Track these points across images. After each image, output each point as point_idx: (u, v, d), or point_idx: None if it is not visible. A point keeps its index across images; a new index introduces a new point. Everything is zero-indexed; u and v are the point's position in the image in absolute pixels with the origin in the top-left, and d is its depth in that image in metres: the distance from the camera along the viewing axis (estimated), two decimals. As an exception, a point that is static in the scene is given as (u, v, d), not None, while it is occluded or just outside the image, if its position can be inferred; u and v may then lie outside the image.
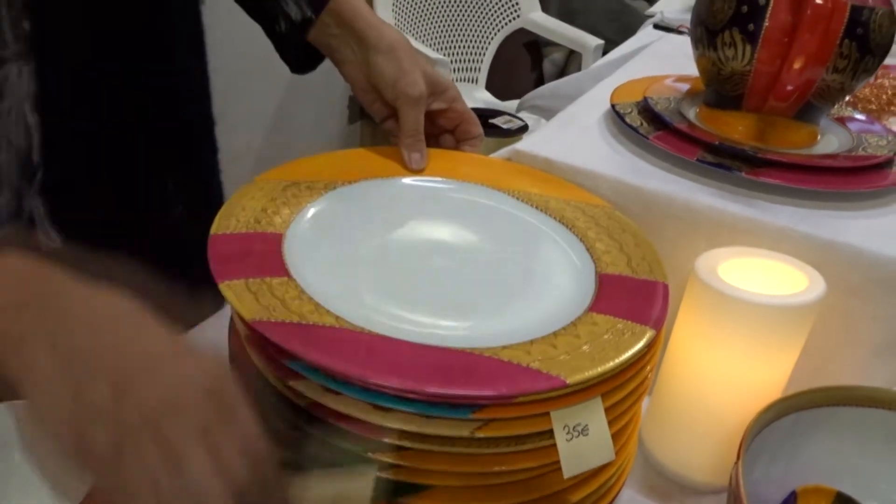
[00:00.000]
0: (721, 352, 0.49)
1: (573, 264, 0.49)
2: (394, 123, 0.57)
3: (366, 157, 0.57)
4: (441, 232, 0.51)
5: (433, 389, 0.35)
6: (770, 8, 0.56)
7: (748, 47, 0.58)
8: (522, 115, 1.16)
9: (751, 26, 0.57)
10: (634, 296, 0.45)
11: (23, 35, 0.41)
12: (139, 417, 0.28)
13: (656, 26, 1.54)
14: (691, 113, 0.67)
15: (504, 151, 0.64)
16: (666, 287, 0.46)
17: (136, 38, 0.52)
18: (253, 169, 2.16)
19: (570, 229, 0.52)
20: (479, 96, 2.07)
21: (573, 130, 0.67)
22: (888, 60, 0.69)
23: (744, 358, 0.48)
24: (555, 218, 0.53)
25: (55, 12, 0.44)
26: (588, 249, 0.50)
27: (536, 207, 0.54)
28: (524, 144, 0.63)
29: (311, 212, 0.49)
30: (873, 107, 0.76)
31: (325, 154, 0.56)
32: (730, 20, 0.58)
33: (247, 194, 0.49)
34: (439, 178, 0.56)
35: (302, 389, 0.40)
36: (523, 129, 0.74)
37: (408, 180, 0.55)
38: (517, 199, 0.54)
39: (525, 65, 2.26)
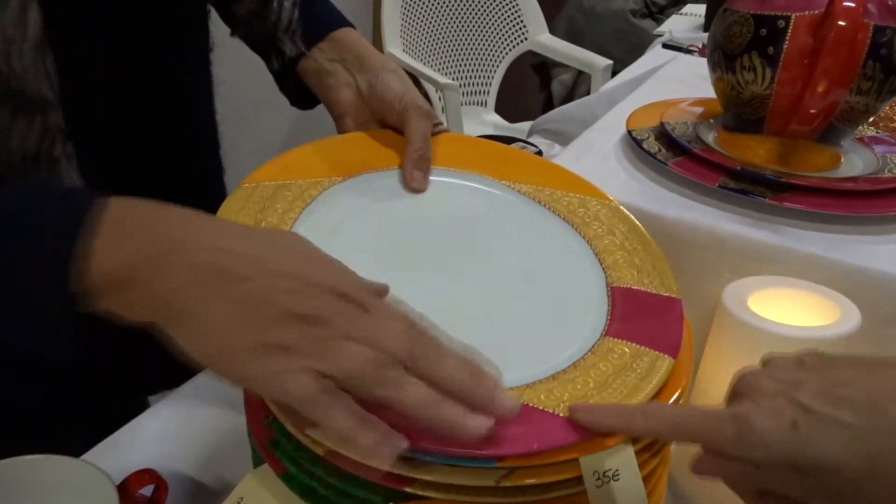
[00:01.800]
0: (752, 386, 0.47)
1: (585, 277, 0.46)
2: None
3: (356, 144, 0.53)
4: (446, 249, 0.48)
5: (456, 449, 0.34)
6: (790, 31, 0.55)
7: (768, 71, 0.56)
8: (535, 139, 1.16)
9: (770, 49, 0.56)
10: (650, 316, 0.44)
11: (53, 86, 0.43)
12: (316, 291, 0.31)
13: (665, 45, 1.54)
14: (710, 137, 0.66)
15: (520, 181, 0.63)
16: (680, 305, 0.44)
17: (150, 83, 0.53)
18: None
19: (577, 231, 0.49)
20: (488, 119, 2.06)
21: (590, 158, 0.65)
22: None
23: (777, 392, 0.47)
24: (560, 216, 0.50)
25: (78, 66, 0.45)
26: (597, 255, 0.48)
27: (541, 203, 0.51)
28: (541, 174, 0.61)
29: (302, 229, 0.45)
30: (895, 125, 0.75)
31: (314, 144, 0.51)
32: (748, 44, 0.57)
33: (233, 208, 0.45)
34: (439, 169, 0.52)
35: (321, 437, 0.38)
36: (538, 155, 0.73)
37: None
38: (520, 192, 0.52)
39: (534, 86, 2.26)
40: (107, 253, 0.31)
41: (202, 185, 0.62)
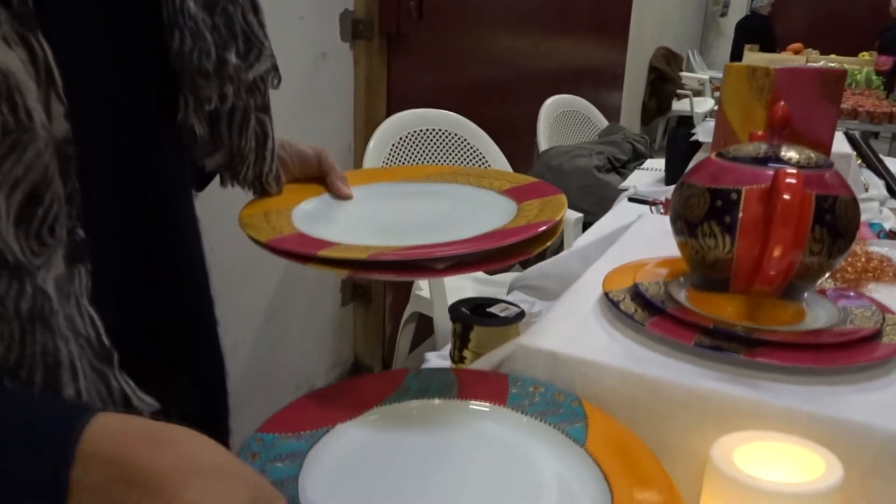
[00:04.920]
0: (750, 545, 0.48)
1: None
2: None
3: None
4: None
5: None
6: (742, 202, 0.61)
7: (727, 237, 0.62)
8: (515, 295, 1.20)
9: (727, 219, 0.62)
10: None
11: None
12: None
13: (631, 199, 1.64)
14: (681, 295, 0.70)
15: (507, 347, 0.66)
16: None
17: (151, 247, 0.56)
18: (252, 357, 2.12)
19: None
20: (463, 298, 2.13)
21: (572, 321, 0.69)
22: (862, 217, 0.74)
23: (774, 551, 0.48)
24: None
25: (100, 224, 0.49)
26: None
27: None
28: (527, 339, 0.65)
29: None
30: (850, 276, 0.80)
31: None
32: (707, 214, 0.63)
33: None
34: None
35: None
36: (520, 315, 0.77)
37: None
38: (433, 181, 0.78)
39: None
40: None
41: (206, 365, 0.64)
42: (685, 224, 0.65)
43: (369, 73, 2.07)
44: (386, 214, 0.71)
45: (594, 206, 2.19)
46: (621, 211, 1.55)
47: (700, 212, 0.63)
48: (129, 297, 0.53)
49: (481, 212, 0.67)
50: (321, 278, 2.16)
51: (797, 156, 0.63)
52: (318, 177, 0.73)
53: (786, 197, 0.57)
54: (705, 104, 5.58)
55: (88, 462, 0.36)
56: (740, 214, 0.61)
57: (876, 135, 3.60)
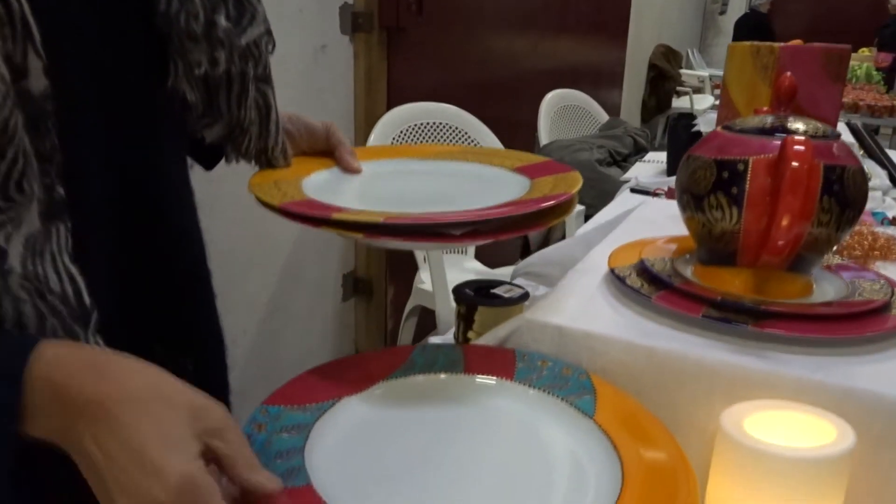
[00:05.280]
0: (761, 512, 0.47)
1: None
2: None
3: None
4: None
5: None
6: (749, 173, 0.60)
7: (734, 209, 0.61)
8: (518, 282, 1.19)
9: (734, 190, 0.61)
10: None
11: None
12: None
13: (633, 190, 1.63)
14: (688, 271, 0.70)
15: (512, 322, 0.65)
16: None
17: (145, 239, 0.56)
18: (252, 350, 2.12)
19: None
20: (469, 266, 2.12)
21: (577, 296, 0.69)
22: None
23: (786, 517, 0.47)
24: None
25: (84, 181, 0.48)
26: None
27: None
28: (533, 313, 0.64)
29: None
30: (858, 253, 0.80)
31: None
32: (713, 185, 0.62)
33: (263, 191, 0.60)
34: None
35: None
36: (525, 296, 0.76)
37: None
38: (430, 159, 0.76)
39: (510, 234, 2.35)
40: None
41: (206, 350, 0.63)
42: (691, 197, 0.65)
43: (369, 67, 2.06)
44: (397, 188, 0.70)
45: (595, 199, 2.18)
46: (623, 202, 1.54)
47: (706, 184, 0.63)
48: (121, 264, 0.52)
49: (494, 187, 0.66)
50: (322, 273, 2.15)
51: (804, 126, 0.62)
52: (326, 150, 0.72)
53: (794, 164, 0.56)
54: (705, 101, 5.57)
55: (37, 385, 0.38)
56: (748, 185, 0.60)
57: (876, 130, 3.60)
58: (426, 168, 0.74)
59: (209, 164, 0.69)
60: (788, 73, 0.63)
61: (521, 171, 0.69)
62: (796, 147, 0.56)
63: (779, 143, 0.60)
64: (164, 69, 0.54)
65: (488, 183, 0.68)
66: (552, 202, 0.56)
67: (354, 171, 0.71)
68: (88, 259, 0.46)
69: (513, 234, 0.56)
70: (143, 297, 0.55)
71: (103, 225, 0.50)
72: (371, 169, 0.72)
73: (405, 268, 2.11)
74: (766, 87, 0.93)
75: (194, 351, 0.62)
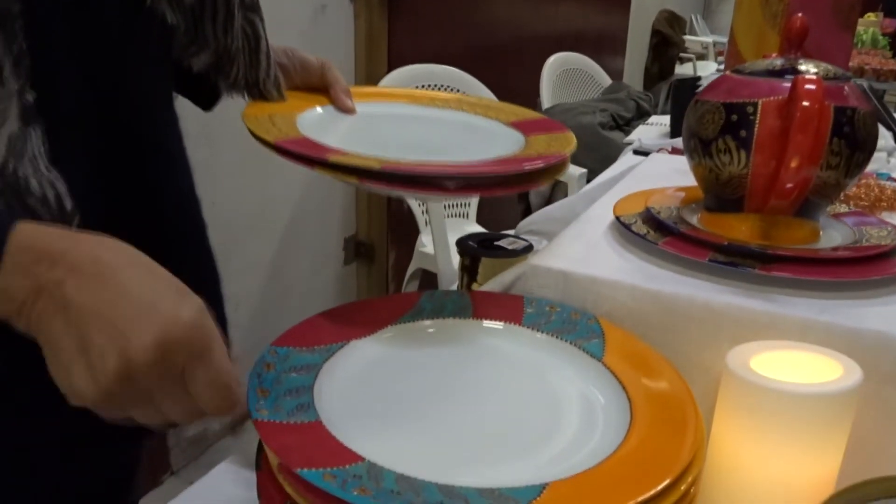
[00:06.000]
0: (767, 448, 0.48)
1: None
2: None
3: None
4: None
5: None
6: (759, 115, 0.59)
7: (743, 152, 0.61)
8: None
9: (743, 133, 0.60)
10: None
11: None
12: (139, 362, 0.36)
13: (636, 151, 1.62)
14: (693, 219, 0.69)
15: (517, 268, 0.65)
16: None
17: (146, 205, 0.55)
18: (254, 315, 2.13)
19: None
20: (470, 230, 2.11)
21: (582, 244, 0.68)
22: (868, 167, 0.73)
23: (791, 452, 0.47)
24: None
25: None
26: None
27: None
28: (538, 259, 0.64)
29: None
30: (865, 203, 0.79)
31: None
32: (721, 129, 0.61)
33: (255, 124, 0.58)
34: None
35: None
36: (528, 248, 0.76)
37: None
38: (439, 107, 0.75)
39: (512, 198, 2.34)
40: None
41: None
42: (699, 142, 0.64)
43: (370, 29, 2.04)
44: (391, 133, 0.69)
45: (597, 163, 2.16)
46: (627, 161, 1.53)
47: (714, 128, 0.62)
48: (100, 179, 0.52)
49: (487, 139, 0.66)
50: (324, 238, 2.15)
51: (815, 69, 0.61)
52: (320, 87, 0.71)
53: (805, 104, 0.55)
54: (708, 68, 5.51)
55: (16, 250, 0.38)
56: (757, 128, 0.59)
57: (882, 95, 3.56)
58: (420, 114, 0.73)
59: (207, 104, 0.68)
60: (800, 14, 0.61)
61: (515, 125, 0.68)
62: (807, 86, 0.56)
63: (789, 84, 0.59)
64: None
65: (482, 135, 0.68)
66: (549, 162, 0.56)
67: (348, 110, 0.70)
68: (66, 168, 0.46)
69: (504, 191, 0.56)
70: (127, 217, 0.54)
71: (79, 136, 0.50)
72: (365, 110, 0.71)
73: (407, 231, 2.11)
74: (774, 35, 0.92)
75: (184, 279, 0.61)
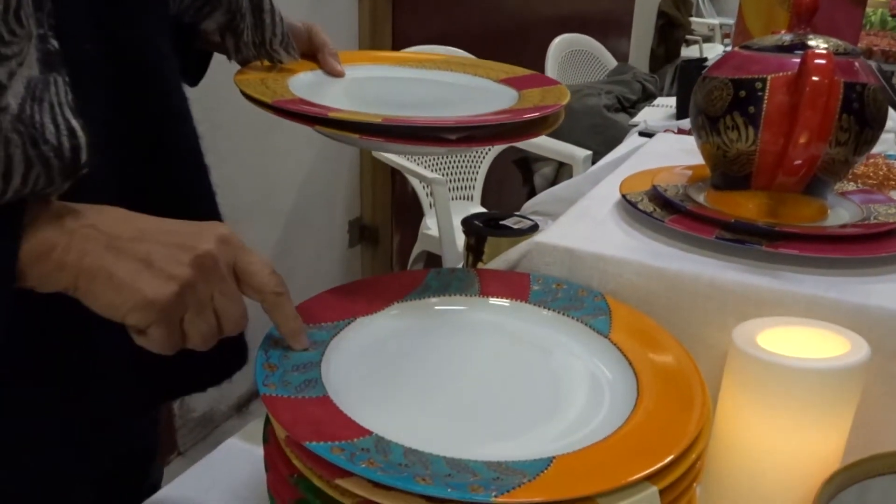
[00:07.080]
0: (773, 423, 0.48)
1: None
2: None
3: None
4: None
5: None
6: (767, 91, 0.59)
7: (751, 128, 0.60)
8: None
9: (751, 109, 0.60)
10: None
11: None
12: (209, 252, 0.43)
13: (642, 133, 1.61)
14: (700, 198, 0.69)
15: (522, 245, 0.65)
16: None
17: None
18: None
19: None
20: (475, 212, 2.11)
21: (588, 222, 0.68)
22: (876, 149, 0.73)
23: (797, 428, 0.47)
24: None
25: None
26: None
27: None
28: (543, 237, 0.64)
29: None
30: (873, 181, 0.79)
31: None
32: (730, 106, 0.61)
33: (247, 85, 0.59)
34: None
35: (350, 487, 0.38)
36: (534, 227, 0.75)
37: None
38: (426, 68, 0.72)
39: (517, 181, 2.33)
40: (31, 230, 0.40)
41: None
42: (706, 119, 0.63)
43: (374, 10, 2.03)
44: (384, 94, 0.69)
45: (602, 145, 2.15)
46: (632, 143, 1.52)
47: (722, 104, 0.61)
48: (116, 130, 0.52)
49: (480, 96, 0.65)
50: (328, 220, 2.15)
51: (825, 44, 0.61)
52: (308, 52, 0.71)
53: (815, 79, 0.55)
54: (714, 50, 5.47)
55: (36, 208, 0.41)
56: (765, 104, 0.59)
57: (891, 77, 3.53)
58: (411, 75, 0.73)
59: (193, 80, 0.68)
60: (810, -12, 0.61)
61: (506, 82, 0.68)
62: (817, 61, 0.55)
63: (798, 60, 0.58)
64: None
65: (475, 92, 0.68)
66: (547, 111, 0.56)
67: (337, 74, 0.70)
68: (87, 120, 0.45)
69: (504, 142, 0.58)
70: (141, 175, 0.55)
71: (100, 89, 0.50)
72: (354, 73, 0.71)
73: (411, 214, 2.11)
74: (783, 11, 0.91)
75: None
